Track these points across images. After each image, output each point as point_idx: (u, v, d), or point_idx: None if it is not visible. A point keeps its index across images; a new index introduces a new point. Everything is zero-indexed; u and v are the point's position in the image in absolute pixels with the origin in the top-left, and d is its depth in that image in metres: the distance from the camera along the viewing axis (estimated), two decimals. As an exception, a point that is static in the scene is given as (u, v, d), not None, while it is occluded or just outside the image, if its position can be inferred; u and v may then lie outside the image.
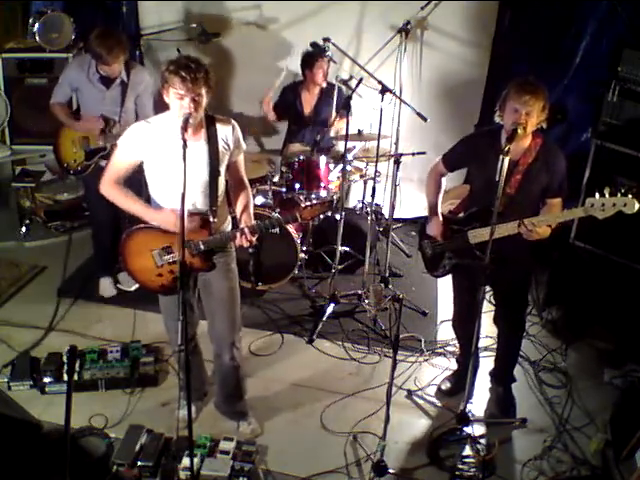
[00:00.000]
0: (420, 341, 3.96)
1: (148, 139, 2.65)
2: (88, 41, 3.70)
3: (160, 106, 2.72)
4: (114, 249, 4.05)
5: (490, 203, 2.74)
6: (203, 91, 2.52)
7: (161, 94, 2.58)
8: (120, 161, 2.74)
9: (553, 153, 2.92)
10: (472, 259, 3.03)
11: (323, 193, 4.45)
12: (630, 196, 2.65)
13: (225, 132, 2.74)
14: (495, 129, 2.98)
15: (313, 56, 4.53)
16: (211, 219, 2.75)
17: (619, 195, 2.67)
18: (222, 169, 2.76)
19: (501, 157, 2.63)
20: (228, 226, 2.94)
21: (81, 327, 3.94)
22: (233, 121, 2.79)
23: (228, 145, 2.76)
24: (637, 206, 2.64)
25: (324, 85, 4.71)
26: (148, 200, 2.82)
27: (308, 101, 4.83)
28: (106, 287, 4.32)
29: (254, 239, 2.73)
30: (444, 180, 3.26)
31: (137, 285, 3.75)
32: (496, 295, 3.41)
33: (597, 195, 2.70)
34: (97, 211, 4.16)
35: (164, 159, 2.63)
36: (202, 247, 2.73)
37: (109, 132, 3.84)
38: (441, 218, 3.19)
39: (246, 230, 2.72)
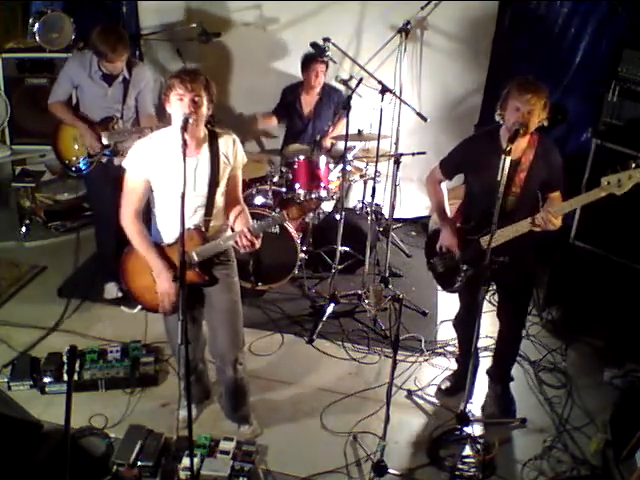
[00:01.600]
0: (420, 341, 3.96)
1: (151, 155, 2.63)
2: (90, 39, 3.67)
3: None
4: (119, 251, 4.06)
5: (500, 205, 2.70)
6: (203, 95, 2.52)
7: (164, 107, 2.57)
8: (132, 183, 2.68)
9: (549, 149, 2.94)
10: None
11: (323, 193, 4.45)
12: None
13: (226, 146, 2.73)
14: (493, 129, 2.97)
15: (309, 59, 4.55)
16: (203, 229, 2.72)
17: (633, 166, 2.60)
18: (223, 183, 2.75)
19: (503, 157, 2.62)
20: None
21: (81, 327, 3.93)
22: (234, 135, 2.79)
23: (229, 159, 2.75)
24: None
25: (318, 89, 4.72)
26: (149, 212, 2.80)
27: (307, 102, 4.83)
28: (110, 291, 4.25)
29: (256, 240, 2.68)
30: (444, 186, 3.21)
31: (139, 307, 3.68)
32: (501, 292, 3.37)
33: (609, 173, 2.65)
34: (99, 209, 4.11)
35: (166, 173, 2.62)
36: (196, 258, 2.71)
37: (112, 129, 3.81)
38: (453, 226, 3.10)
39: (245, 230, 2.67)
